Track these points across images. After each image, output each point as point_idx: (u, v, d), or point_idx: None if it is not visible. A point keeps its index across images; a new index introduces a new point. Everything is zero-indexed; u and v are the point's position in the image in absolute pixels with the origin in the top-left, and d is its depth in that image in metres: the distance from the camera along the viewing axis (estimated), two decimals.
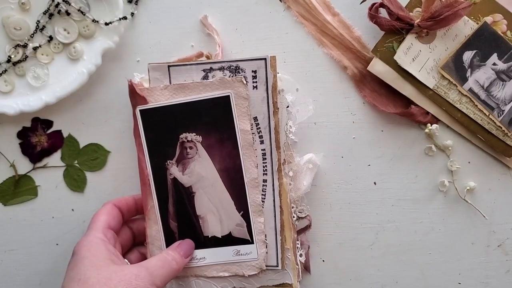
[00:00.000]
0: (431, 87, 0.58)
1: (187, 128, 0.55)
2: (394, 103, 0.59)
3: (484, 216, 0.60)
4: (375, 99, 0.59)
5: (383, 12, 0.57)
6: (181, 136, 0.55)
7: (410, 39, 0.57)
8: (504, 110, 0.57)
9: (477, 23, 0.57)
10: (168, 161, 0.56)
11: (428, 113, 0.59)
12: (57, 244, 0.62)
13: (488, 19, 0.57)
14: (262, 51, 0.60)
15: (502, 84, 0.57)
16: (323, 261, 0.61)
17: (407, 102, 0.59)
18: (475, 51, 0.57)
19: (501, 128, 0.57)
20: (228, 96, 0.54)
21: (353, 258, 0.61)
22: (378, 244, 0.61)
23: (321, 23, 0.59)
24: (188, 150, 0.55)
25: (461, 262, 0.61)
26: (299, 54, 0.60)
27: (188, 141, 0.55)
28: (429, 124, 0.58)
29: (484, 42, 0.57)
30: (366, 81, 0.59)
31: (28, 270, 0.62)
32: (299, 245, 0.59)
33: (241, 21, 0.60)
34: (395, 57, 0.57)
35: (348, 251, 0.61)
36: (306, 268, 0.60)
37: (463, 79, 0.57)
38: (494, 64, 0.57)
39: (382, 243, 0.61)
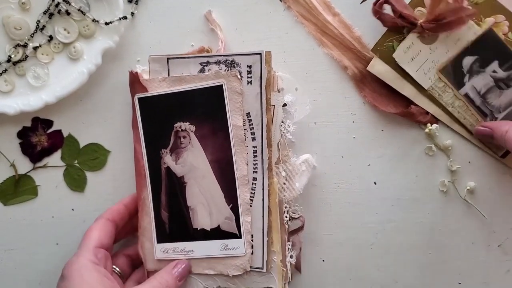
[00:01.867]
0: (425, 88, 0.58)
1: (181, 117, 0.55)
2: (394, 103, 0.59)
3: (484, 216, 0.60)
4: (375, 99, 0.59)
5: (387, 9, 0.57)
6: (176, 125, 0.56)
7: (411, 38, 0.57)
8: (497, 118, 0.57)
9: (479, 24, 0.57)
10: (162, 150, 0.56)
11: (428, 113, 0.59)
12: (57, 244, 0.62)
13: (490, 20, 0.57)
14: None
15: (500, 92, 0.57)
16: (323, 261, 0.61)
17: (407, 102, 0.59)
18: (476, 57, 0.56)
19: None
20: (221, 85, 0.54)
21: (353, 258, 0.61)
22: (378, 244, 0.61)
23: (322, 23, 0.59)
24: (182, 139, 0.56)
25: (461, 262, 0.61)
26: (299, 54, 0.60)
27: (182, 130, 0.56)
28: (429, 124, 0.58)
29: (487, 49, 0.56)
30: (366, 81, 0.59)
31: (28, 270, 0.62)
32: (290, 246, 0.58)
33: (241, 21, 0.60)
34: (394, 55, 0.57)
35: (348, 251, 0.61)
36: (297, 268, 0.60)
37: (460, 84, 0.57)
38: (494, 71, 0.56)
39: (382, 243, 0.61)
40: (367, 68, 0.58)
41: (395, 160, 0.60)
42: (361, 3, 0.59)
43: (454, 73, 0.57)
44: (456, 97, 0.57)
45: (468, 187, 0.59)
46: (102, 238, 0.53)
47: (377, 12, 0.57)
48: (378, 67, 0.58)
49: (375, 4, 0.57)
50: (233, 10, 0.60)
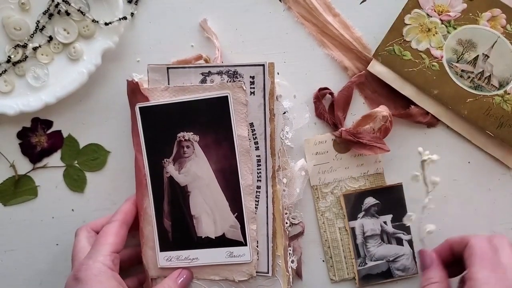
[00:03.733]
0: (311, 184, 0.60)
1: (185, 127, 0.55)
2: (394, 104, 0.59)
3: None
4: (375, 100, 0.59)
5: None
6: (179, 135, 0.55)
7: (327, 137, 0.59)
8: (366, 264, 0.59)
9: (476, 20, 0.57)
10: (165, 159, 0.56)
11: (428, 113, 0.59)
12: (57, 244, 0.62)
13: (487, 14, 0.57)
14: (262, 51, 0.60)
15: (379, 243, 0.59)
16: (323, 261, 0.61)
17: (408, 102, 0.59)
18: (377, 202, 0.59)
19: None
20: (227, 96, 0.54)
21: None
22: None
23: (322, 23, 0.59)
24: (185, 149, 0.55)
25: None
26: (299, 54, 0.60)
27: (185, 140, 0.55)
28: (428, 153, 0.57)
29: (390, 200, 0.59)
30: (367, 82, 0.59)
31: (28, 270, 0.62)
32: (291, 251, 0.58)
33: (241, 21, 0.60)
34: (305, 141, 0.59)
35: None
36: (298, 274, 0.60)
37: (353, 216, 0.60)
38: (385, 223, 0.59)
39: None
40: (367, 68, 0.58)
41: (395, 160, 0.60)
42: (361, 3, 0.59)
43: (353, 203, 0.59)
44: (342, 227, 0.60)
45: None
46: (118, 243, 0.53)
47: (318, 99, 0.59)
48: (378, 67, 0.58)
49: (319, 90, 0.59)
50: (233, 10, 0.60)
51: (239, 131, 0.54)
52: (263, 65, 0.54)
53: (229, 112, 0.54)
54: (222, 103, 0.54)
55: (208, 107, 0.55)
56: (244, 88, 0.54)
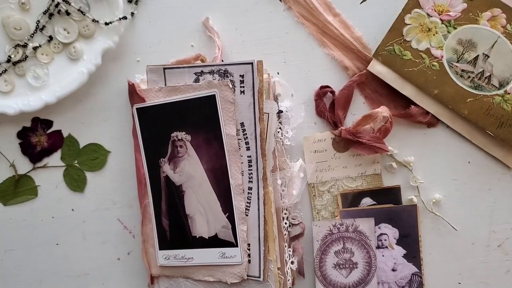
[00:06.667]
0: (308, 182, 0.60)
1: (178, 127, 0.56)
2: (394, 104, 0.59)
3: (454, 228, 0.60)
4: (376, 99, 0.59)
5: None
6: (172, 134, 0.56)
7: (326, 135, 0.59)
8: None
9: (476, 20, 0.57)
10: (161, 159, 0.56)
11: (428, 113, 0.59)
12: (57, 244, 0.62)
13: (487, 14, 0.57)
14: (262, 51, 0.60)
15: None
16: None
17: (408, 102, 0.59)
18: (374, 202, 0.59)
19: None
20: (214, 95, 0.54)
21: None
22: None
23: (322, 23, 0.59)
24: (179, 148, 0.56)
25: (461, 262, 0.61)
26: (299, 54, 0.60)
27: (178, 139, 0.56)
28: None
29: (384, 202, 0.59)
30: (367, 81, 0.59)
31: (28, 270, 0.62)
32: (291, 252, 0.58)
33: (241, 21, 0.60)
34: (304, 138, 0.59)
35: None
36: (300, 273, 0.60)
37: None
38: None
39: None
40: (367, 68, 0.58)
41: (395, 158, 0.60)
42: (361, 3, 0.59)
43: (350, 203, 0.59)
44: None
45: (434, 200, 0.60)
46: None
47: (319, 96, 0.59)
48: (378, 67, 0.58)
49: (321, 88, 0.59)
50: (233, 10, 0.60)
51: (228, 129, 0.54)
52: (252, 63, 0.54)
53: (217, 109, 0.54)
54: (210, 102, 0.54)
55: (198, 106, 0.55)
56: (231, 86, 0.54)
